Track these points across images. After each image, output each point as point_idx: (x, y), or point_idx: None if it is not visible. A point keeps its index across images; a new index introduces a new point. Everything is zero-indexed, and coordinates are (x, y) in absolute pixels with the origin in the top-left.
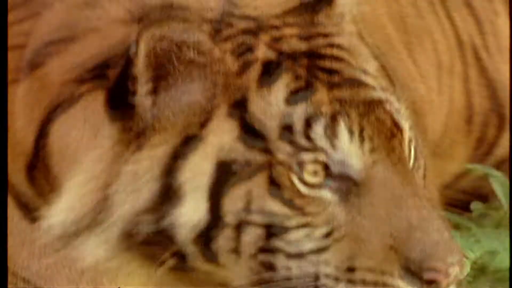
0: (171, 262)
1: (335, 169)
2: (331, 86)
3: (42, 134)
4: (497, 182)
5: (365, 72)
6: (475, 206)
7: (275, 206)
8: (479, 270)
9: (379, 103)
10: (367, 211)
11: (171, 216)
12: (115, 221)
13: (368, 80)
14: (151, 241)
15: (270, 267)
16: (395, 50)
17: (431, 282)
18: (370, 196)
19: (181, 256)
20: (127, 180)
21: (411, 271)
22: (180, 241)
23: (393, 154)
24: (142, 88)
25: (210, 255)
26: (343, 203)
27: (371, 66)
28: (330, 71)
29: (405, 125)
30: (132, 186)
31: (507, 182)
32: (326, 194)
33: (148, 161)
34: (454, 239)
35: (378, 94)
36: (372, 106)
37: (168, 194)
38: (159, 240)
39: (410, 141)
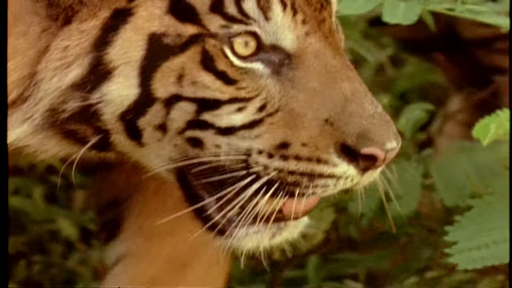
0: (93, 139)
1: (267, 40)
2: None
3: None
4: None
5: None
6: None
7: (208, 79)
8: None
9: None
10: (300, 83)
11: (100, 92)
12: (42, 97)
13: None
14: (76, 118)
15: (197, 143)
16: None
17: (368, 157)
18: (303, 68)
19: (104, 134)
20: (56, 55)
21: (348, 146)
22: (106, 118)
23: (323, 26)
24: None
25: (134, 132)
26: (276, 76)
27: None
28: None
29: None
30: (62, 61)
31: None
32: (259, 66)
33: (78, 35)
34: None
35: None
36: None
37: (98, 69)
38: (85, 117)
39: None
